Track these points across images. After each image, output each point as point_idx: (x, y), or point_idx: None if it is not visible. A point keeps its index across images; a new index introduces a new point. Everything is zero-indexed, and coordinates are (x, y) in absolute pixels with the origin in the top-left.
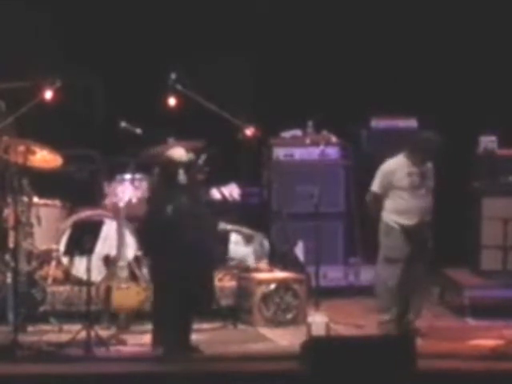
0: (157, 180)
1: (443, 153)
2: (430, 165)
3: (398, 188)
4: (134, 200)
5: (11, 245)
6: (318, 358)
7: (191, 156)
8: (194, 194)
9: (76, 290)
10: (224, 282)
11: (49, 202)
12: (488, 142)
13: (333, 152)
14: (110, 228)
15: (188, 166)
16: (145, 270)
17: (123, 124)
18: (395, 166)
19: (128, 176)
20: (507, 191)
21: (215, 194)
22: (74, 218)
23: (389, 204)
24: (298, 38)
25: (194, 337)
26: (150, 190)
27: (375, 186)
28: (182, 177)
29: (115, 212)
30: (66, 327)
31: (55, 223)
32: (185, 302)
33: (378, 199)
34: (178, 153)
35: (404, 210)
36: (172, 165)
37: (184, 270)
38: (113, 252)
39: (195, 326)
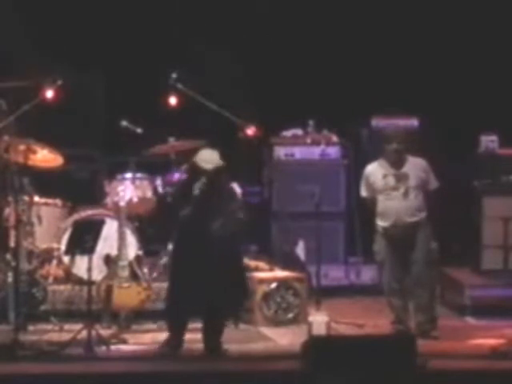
0: (183, 176)
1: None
2: (420, 162)
3: (376, 190)
4: (135, 199)
5: (12, 244)
6: (319, 357)
7: (219, 163)
8: (214, 199)
9: (77, 290)
10: None
11: (50, 201)
12: (489, 141)
13: (333, 151)
14: (110, 227)
15: (214, 175)
16: (145, 270)
17: (124, 123)
18: (371, 169)
19: (129, 175)
20: (508, 191)
21: None
22: (75, 217)
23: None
24: (299, 38)
25: (194, 336)
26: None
27: (361, 190)
28: (197, 186)
29: (116, 211)
30: (66, 326)
31: (56, 222)
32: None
33: (369, 202)
34: (205, 159)
35: (380, 212)
36: (196, 170)
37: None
38: (114, 251)
39: (196, 325)
